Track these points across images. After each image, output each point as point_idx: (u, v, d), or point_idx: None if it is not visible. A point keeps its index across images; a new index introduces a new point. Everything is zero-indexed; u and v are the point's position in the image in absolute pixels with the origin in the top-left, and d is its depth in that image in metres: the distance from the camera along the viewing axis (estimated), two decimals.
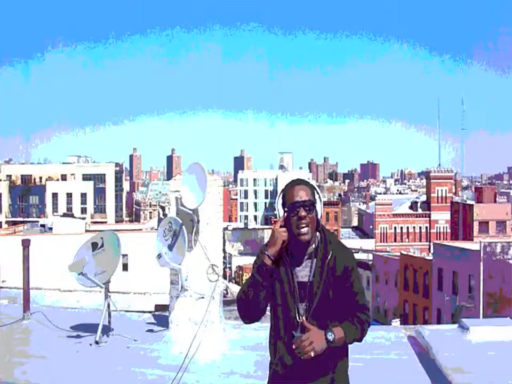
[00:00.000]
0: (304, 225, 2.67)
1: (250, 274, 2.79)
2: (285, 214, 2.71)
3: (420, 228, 79.49)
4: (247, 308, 2.76)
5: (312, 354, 2.56)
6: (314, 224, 2.72)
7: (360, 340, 2.73)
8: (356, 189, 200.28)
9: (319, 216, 2.75)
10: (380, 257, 53.04)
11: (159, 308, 9.08)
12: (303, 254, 2.76)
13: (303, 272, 2.74)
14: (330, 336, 2.59)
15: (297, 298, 2.71)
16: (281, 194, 2.78)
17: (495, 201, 64.88)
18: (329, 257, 2.71)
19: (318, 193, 2.77)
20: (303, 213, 2.66)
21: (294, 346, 2.59)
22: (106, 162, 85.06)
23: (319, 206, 2.75)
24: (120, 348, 6.08)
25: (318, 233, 2.78)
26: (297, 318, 2.69)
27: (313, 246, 2.76)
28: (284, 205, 2.75)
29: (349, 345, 2.78)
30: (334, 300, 2.69)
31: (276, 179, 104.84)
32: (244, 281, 2.81)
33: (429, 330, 6.60)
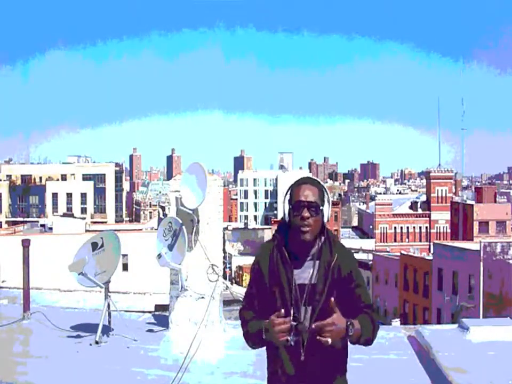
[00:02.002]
0: (306, 226, 2.59)
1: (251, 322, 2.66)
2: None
3: (420, 227, 79.46)
4: (254, 343, 2.70)
5: (330, 341, 2.44)
6: (318, 227, 2.63)
7: (371, 340, 2.66)
8: (356, 189, 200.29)
9: (325, 219, 2.66)
10: (380, 257, 53.03)
11: (159, 308, 9.08)
12: (304, 256, 2.66)
13: (304, 274, 2.63)
14: (351, 330, 2.49)
15: (298, 301, 2.60)
16: (288, 191, 2.69)
17: (495, 201, 64.86)
18: (334, 260, 2.63)
19: (326, 194, 2.68)
20: (306, 214, 2.58)
21: (313, 325, 2.48)
22: (106, 162, 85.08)
23: (326, 209, 2.65)
24: (120, 348, 6.08)
25: (322, 236, 2.69)
26: (292, 321, 2.55)
27: (316, 247, 2.67)
28: (290, 202, 2.66)
29: (348, 351, 2.71)
30: (338, 303, 2.54)
31: (276, 179, 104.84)
32: (243, 315, 2.77)
33: (429, 330, 6.60)
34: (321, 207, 2.63)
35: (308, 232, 2.60)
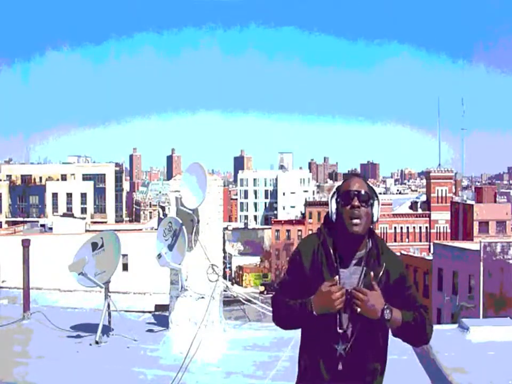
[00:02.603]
0: (356, 216, 2.47)
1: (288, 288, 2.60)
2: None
3: (420, 227, 79.44)
4: (286, 324, 2.65)
5: (359, 310, 2.39)
6: (368, 221, 2.51)
7: (422, 338, 2.54)
8: None
9: (374, 219, 2.55)
10: None
11: (159, 308, 9.07)
12: (350, 258, 2.55)
13: (350, 280, 2.51)
14: (387, 314, 2.40)
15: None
16: (336, 189, 2.61)
17: (495, 201, 64.80)
18: (382, 270, 2.50)
19: (376, 194, 2.57)
20: (356, 203, 2.47)
21: (349, 290, 2.42)
22: (106, 162, 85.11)
23: (376, 208, 2.55)
24: (120, 348, 6.08)
25: (369, 240, 2.58)
26: (338, 328, 2.47)
27: (364, 251, 2.55)
28: (337, 199, 2.56)
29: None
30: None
31: (276, 179, 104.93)
32: (281, 285, 2.69)
33: None
34: (371, 201, 2.53)
35: (359, 224, 2.48)
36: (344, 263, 2.54)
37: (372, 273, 2.46)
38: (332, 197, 2.59)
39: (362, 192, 2.51)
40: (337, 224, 2.55)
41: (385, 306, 2.41)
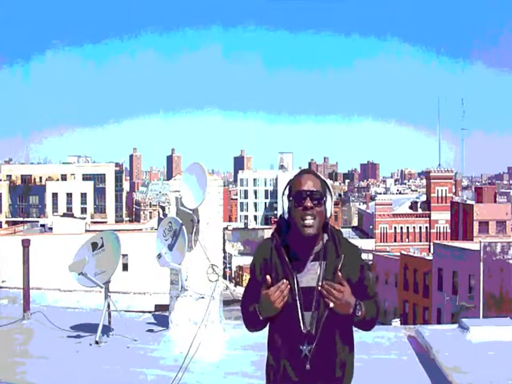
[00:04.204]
0: (309, 217, 2.40)
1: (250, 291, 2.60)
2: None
3: (420, 227, 79.42)
4: (252, 325, 2.62)
5: (331, 305, 2.36)
6: (321, 219, 2.45)
7: (373, 325, 2.55)
8: (355, 189, 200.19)
9: (328, 214, 2.49)
10: (380, 257, 53.02)
11: (159, 308, 9.08)
12: (306, 255, 2.49)
13: (308, 277, 2.45)
14: (358, 310, 2.38)
15: (301, 307, 2.42)
16: (288, 185, 2.52)
17: (495, 201, 64.77)
18: (341, 261, 2.44)
19: (328, 188, 2.51)
20: (309, 204, 2.40)
21: (322, 287, 2.39)
22: (106, 162, 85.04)
23: (329, 203, 2.49)
24: (120, 348, 6.08)
25: (325, 234, 2.52)
26: (303, 329, 2.42)
27: (319, 246, 2.49)
28: (289, 196, 2.49)
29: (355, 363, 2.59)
30: None
31: (276, 179, 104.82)
32: (245, 287, 2.67)
33: (429, 330, 6.59)
34: (324, 199, 2.47)
35: (312, 226, 2.41)
36: (300, 260, 2.49)
37: (339, 273, 2.41)
38: (283, 193, 2.53)
39: (315, 191, 2.44)
40: (290, 221, 2.50)
41: (357, 303, 2.39)
